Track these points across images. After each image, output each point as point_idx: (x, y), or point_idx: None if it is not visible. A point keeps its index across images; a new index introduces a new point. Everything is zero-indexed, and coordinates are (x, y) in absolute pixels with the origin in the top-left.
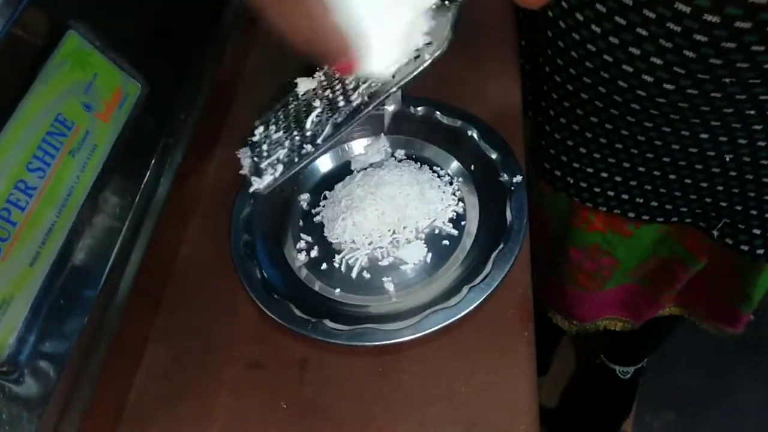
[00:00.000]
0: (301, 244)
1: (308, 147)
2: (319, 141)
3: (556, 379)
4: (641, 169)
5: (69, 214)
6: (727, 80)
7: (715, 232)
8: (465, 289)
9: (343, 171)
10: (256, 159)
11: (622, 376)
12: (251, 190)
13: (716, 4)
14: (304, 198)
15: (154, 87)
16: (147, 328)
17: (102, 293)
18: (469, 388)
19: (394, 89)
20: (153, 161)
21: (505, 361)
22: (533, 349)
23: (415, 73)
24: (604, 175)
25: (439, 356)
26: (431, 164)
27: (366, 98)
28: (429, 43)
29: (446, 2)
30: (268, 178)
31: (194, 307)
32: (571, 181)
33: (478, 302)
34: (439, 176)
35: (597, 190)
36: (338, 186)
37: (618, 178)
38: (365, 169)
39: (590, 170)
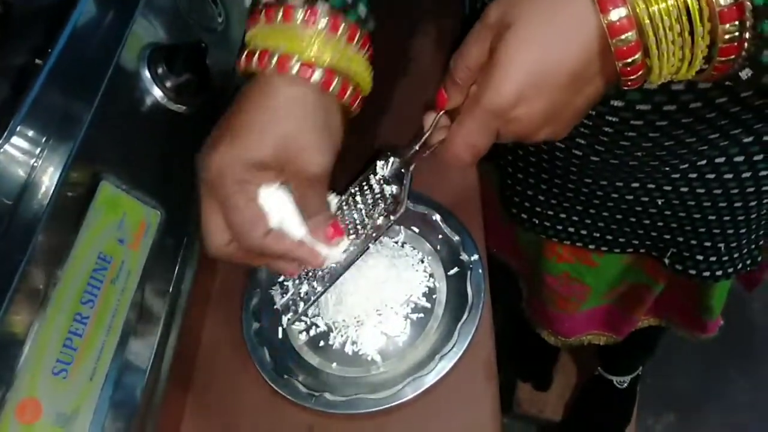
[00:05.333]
0: (301, 326)
1: (318, 288)
2: (326, 283)
3: (559, 394)
4: (592, 211)
5: (115, 331)
6: (640, 153)
7: (666, 260)
8: (437, 358)
9: None
10: (284, 296)
11: (619, 386)
12: (284, 325)
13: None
14: None
15: (170, 211)
16: (181, 409)
17: (146, 388)
18: None
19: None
20: (176, 269)
21: (475, 415)
22: (498, 402)
23: (381, 232)
24: (563, 215)
25: (421, 415)
26: (405, 244)
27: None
28: (393, 201)
29: (402, 170)
30: (294, 313)
31: (217, 387)
32: (537, 221)
33: (448, 368)
34: (412, 256)
35: (559, 227)
36: None
37: (575, 218)
38: None
39: (550, 212)
